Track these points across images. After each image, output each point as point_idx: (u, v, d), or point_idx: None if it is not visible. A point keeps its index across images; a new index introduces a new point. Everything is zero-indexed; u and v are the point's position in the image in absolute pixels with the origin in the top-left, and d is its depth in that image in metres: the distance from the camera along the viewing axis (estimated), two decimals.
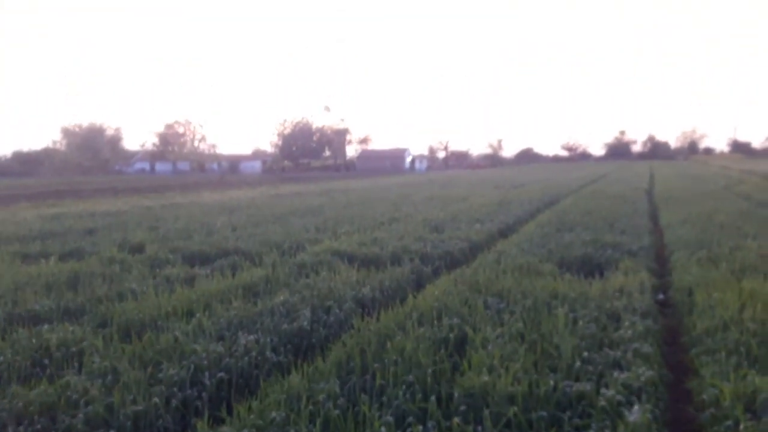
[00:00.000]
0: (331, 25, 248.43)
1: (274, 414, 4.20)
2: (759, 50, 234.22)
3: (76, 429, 4.24)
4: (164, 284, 8.55)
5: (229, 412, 4.53)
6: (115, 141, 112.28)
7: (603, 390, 4.41)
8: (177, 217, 18.64)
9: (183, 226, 15.86)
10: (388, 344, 5.40)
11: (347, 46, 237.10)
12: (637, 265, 9.13)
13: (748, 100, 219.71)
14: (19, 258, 11.10)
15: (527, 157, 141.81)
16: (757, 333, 5.66)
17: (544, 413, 4.17)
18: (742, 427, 4.03)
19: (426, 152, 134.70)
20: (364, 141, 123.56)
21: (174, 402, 4.65)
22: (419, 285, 8.87)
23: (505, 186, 34.09)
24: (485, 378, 4.56)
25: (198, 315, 6.69)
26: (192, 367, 5.13)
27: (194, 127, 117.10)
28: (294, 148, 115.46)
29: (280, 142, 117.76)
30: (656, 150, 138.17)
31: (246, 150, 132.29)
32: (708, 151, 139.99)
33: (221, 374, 5.11)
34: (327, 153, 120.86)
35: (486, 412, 4.15)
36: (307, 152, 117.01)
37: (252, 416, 4.26)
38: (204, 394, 4.85)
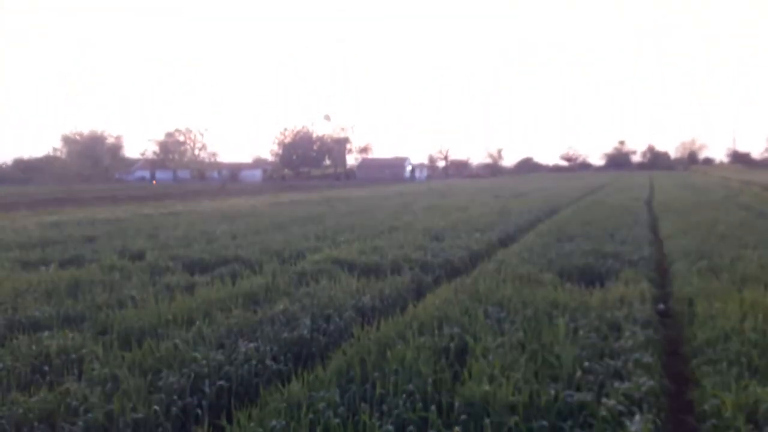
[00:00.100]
0: (331, 26, 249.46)
1: (274, 422, 4.19)
2: (760, 58, 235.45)
3: None
4: (164, 292, 8.53)
5: (229, 420, 4.51)
6: (115, 149, 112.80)
7: (604, 400, 4.40)
8: (177, 224, 18.65)
9: (183, 234, 15.87)
10: (389, 353, 5.38)
11: (347, 47, 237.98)
12: (638, 275, 9.12)
13: (747, 110, 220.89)
14: (19, 265, 11.09)
15: (527, 166, 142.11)
16: (759, 343, 5.65)
17: (545, 423, 4.16)
18: None
19: (426, 161, 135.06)
20: (364, 150, 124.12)
21: (174, 410, 4.63)
22: (419, 294, 8.86)
23: (505, 195, 34.11)
24: (486, 387, 4.55)
25: (198, 323, 6.67)
26: (192, 374, 5.12)
27: (194, 136, 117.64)
28: (294, 157, 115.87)
29: (280, 151, 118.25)
30: (656, 160, 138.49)
31: (246, 158, 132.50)
32: (707, 162, 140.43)
33: (221, 382, 5.09)
34: (327, 162, 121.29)
35: (487, 421, 4.14)
36: (307, 161, 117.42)
37: (252, 424, 4.24)
38: (204, 402, 4.83)
